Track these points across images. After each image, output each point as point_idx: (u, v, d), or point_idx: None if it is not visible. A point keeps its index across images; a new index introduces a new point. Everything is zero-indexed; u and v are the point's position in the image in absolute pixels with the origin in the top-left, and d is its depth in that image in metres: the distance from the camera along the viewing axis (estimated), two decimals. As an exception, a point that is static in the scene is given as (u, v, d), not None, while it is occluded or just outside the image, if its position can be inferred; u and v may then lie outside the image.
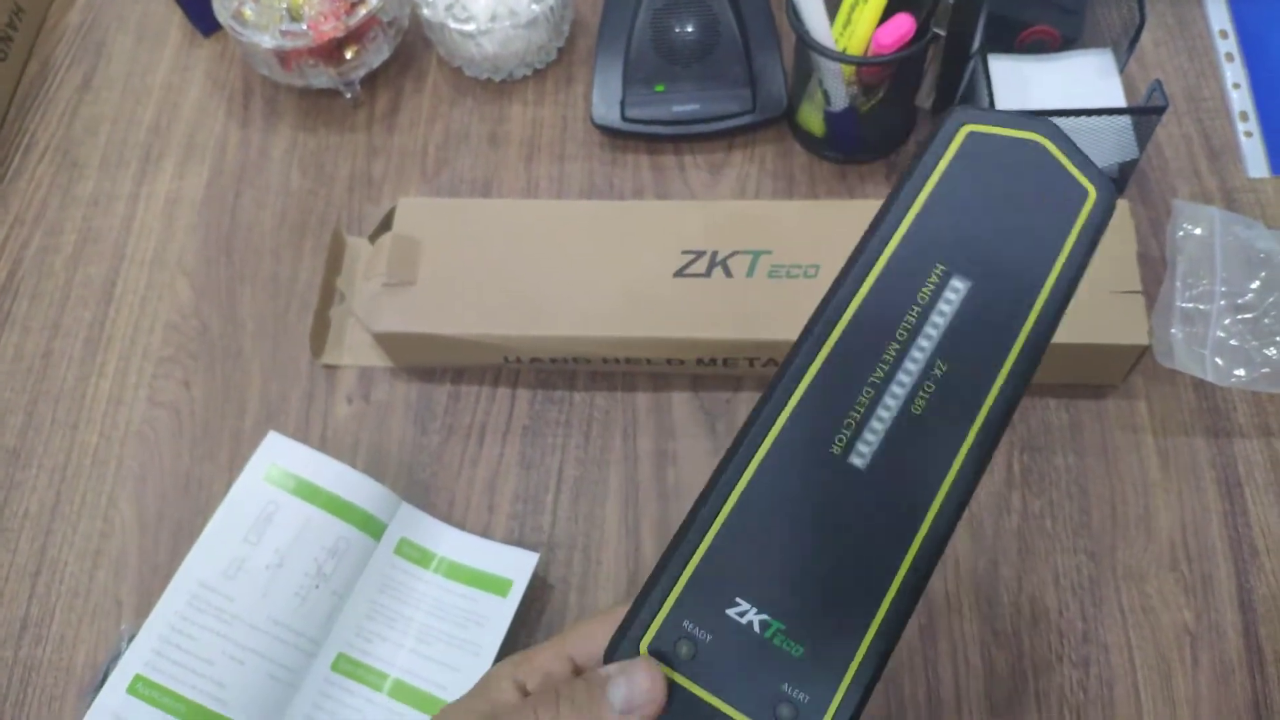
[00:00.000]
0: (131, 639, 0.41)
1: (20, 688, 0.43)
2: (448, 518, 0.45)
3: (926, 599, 0.42)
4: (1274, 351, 0.42)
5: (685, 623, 0.24)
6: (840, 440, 0.25)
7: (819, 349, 0.25)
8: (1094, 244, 0.26)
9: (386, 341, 0.47)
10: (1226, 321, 0.43)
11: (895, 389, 0.25)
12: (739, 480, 0.25)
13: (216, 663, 0.40)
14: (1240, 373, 0.42)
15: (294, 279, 0.52)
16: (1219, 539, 0.43)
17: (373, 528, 0.43)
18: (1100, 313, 0.42)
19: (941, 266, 0.25)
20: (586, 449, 0.47)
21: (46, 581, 0.45)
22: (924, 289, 0.25)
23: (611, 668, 0.24)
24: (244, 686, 0.40)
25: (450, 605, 0.43)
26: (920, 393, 0.25)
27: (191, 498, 0.46)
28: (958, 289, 0.25)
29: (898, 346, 0.25)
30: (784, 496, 0.24)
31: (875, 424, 0.25)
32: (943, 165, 0.26)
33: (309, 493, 0.42)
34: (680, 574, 0.24)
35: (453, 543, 0.44)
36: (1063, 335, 0.42)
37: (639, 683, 0.23)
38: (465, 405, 0.48)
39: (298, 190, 0.54)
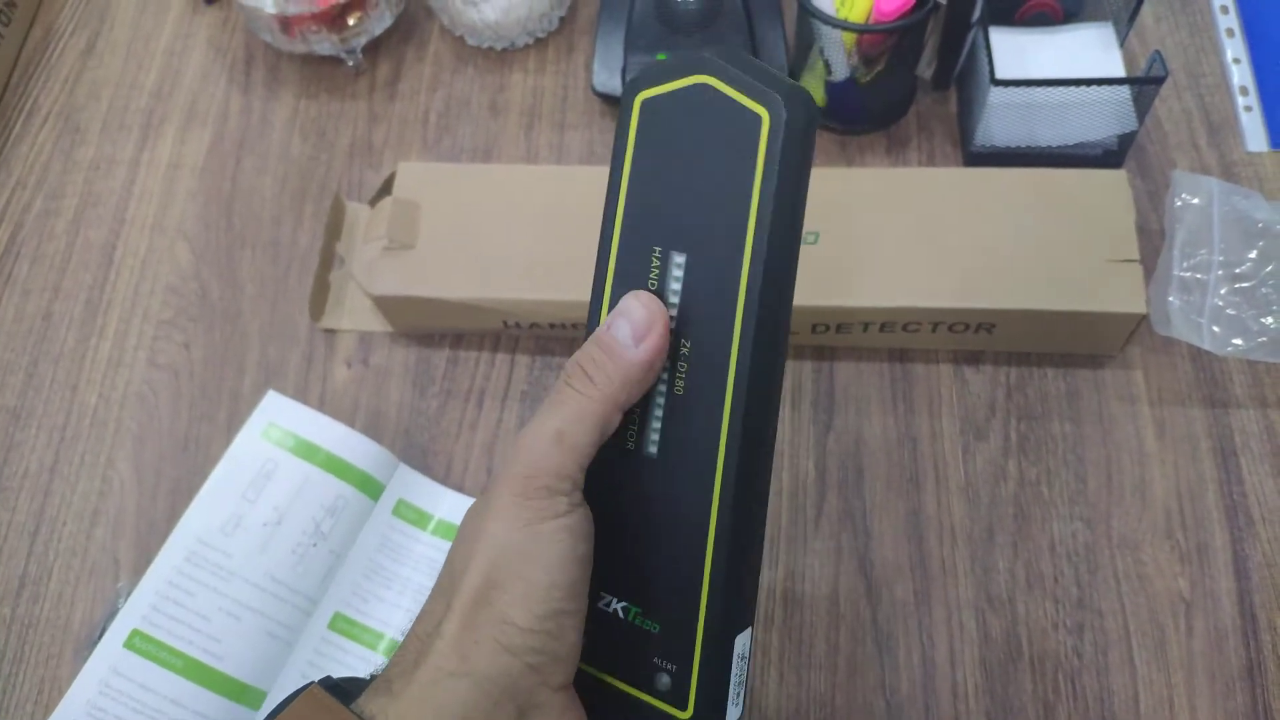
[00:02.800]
0: (128, 595, 0.41)
1: (18, 645, 0.43)
2: (445, 480, 0.45)
3: (921, 564, 0.42)
4: (1271, 320, 0.42)
5: None
6: (631, 436, 0.26)
7: None
8: (791, 160, 0.24)
9: (385, 305, 0.47)
10: (1224, 291, 0.43)
11: (661, 377, 0.26)
12: None
13: (213, 619, 0.40)
14: (1238, 341, 0.42)
15: (294, 244, 0.52)
16: (1214, 508, 0.43)
17: (371, 488, 0.43)
18: (1098, 281, 0.43)
19: (658, 249, 0.26)
20: (584, 414, 0.47)
21: (45, 540, 0.45)
22: (651, 275, 0.26)
23: (608, 318, 0.26)
24: (240, 643, 0.40)
25: (447, 565, 0.43)
26: (678, 374, 0.26)
27: (190, 458, 0.47)
28: (680, 264, 0.26)
29: None
30: (608, 498, 0.26)
31: (655, 413, 0.26)
32: (630, 145, 0.26)
33: (307, 451, 0.42)
34: None
35: (450, 505, 0.44)
36: (1060, 303, 0.42)
37: (634, 310, 0.25)
38: (464, 370, 0.48)
39: (299, 156, 0.54)
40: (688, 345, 0.25)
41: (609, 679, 0.27)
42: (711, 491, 0.25)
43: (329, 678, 0.25)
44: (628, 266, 0.26)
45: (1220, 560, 0.42)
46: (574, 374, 0.26)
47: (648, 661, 0.26)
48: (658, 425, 0.26)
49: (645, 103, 0.26)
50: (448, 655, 0.24)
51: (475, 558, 0.24)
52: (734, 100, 0.25)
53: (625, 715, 0.26)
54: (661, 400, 0.26)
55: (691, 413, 0.25)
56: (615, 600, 0.26)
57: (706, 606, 0.25)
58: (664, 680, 0.26)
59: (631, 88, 0.26)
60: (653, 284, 0.26)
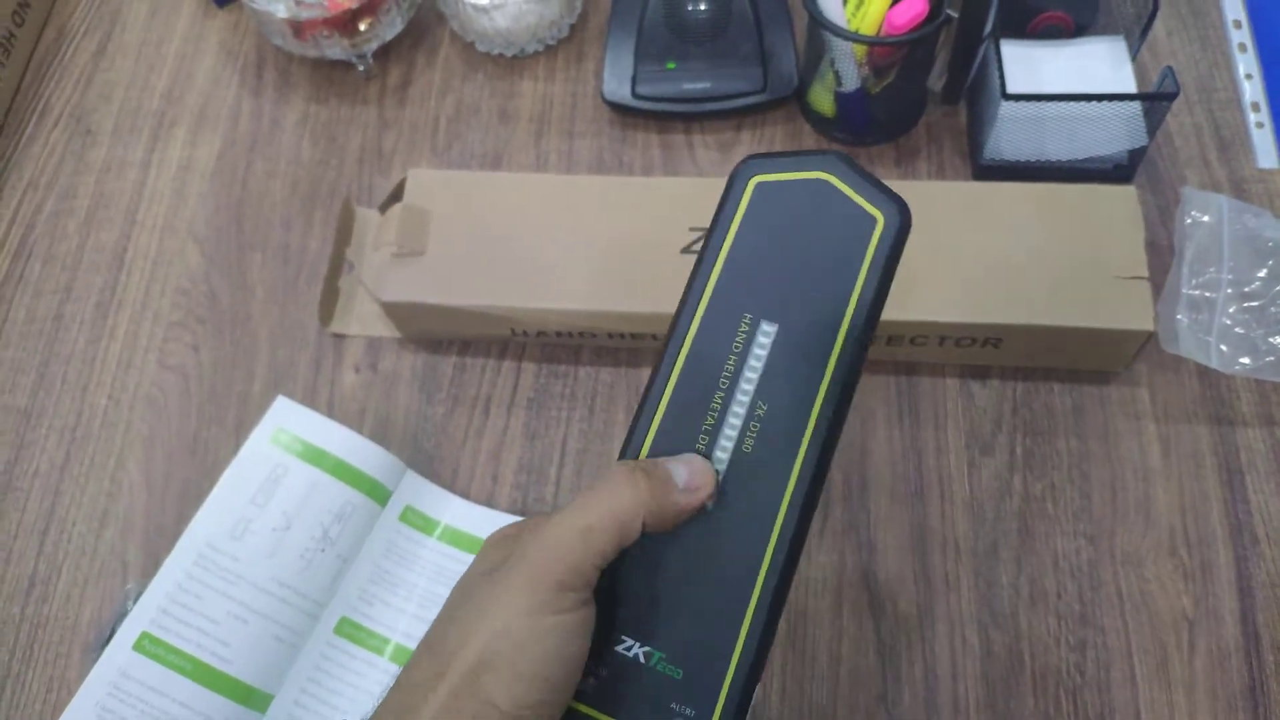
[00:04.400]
0: (137, 597, 0.41)
1: (27, 644, 0.44)
2: (452, 486, 0.45)
3: (925, 577, 0.42)
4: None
5: (587, 663, 0.26)
6: None
7: (658, 404, 0.28)
8: (892, 262, 0.28)
9: (394, 311, 0.47)
10: (1232, 309, 0.43)
11: (728, 432, 0.28)
12: None
13: (221, 622, 0.40)
14: (1245, 360, 0.42)
15: (303, 248, 0.52)
16: (1219, 526, 0.43)
17: (378, 494, 0.44)
18: (1106, 298, 0.42)
19: (749, 315, 0.28)
20: (590, 422, 0.47)
21: (54, 540, 0.46)
22: (737, 339, 0.28)
23: (666, 459, 0.27)
24: (248, 646, 0.40)
25: (453, 572, 0.43)
26: (748, 433, 0.27)
27: (198, 461, 0.47)
28: (768, 333, 0.28)
29: (722, 394, 0.28)
30: (648, 543, 0.27)
31: (716, 467, 0.27)
32: (737, 220, 0.29)
33: (316, 457, 0.43)
34: None
35: (456, 511, 0.45)
36: (1068, 319, 0.42)
37: (696, 465, 0.27)
38: (471, 377, 0.48)
39: (309, 161, 0.54)
40: (764, 408, 0.27)
41: None
42: (765, 550, 0.26)
43: None
44: (714, 323, 0.28)
45: (1224, 579, 0.42)
46: (620, 473, 0.26)
47: (664, 707, 0.26)
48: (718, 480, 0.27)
49: (760, 185, 0.29)
50: None
51: (474, 635, 0.24)
52: (852, 200, 0.28)
53: None
54: (725, 455, 0.27)
55: (756, 472, 0.27)
56: (638, 645, 0.27)
57: (739, 659, 0.26)
58: None
59: (747, 169, 0.29)
60: (737, 347, 0.28)
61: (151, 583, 0.41)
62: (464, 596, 0.26)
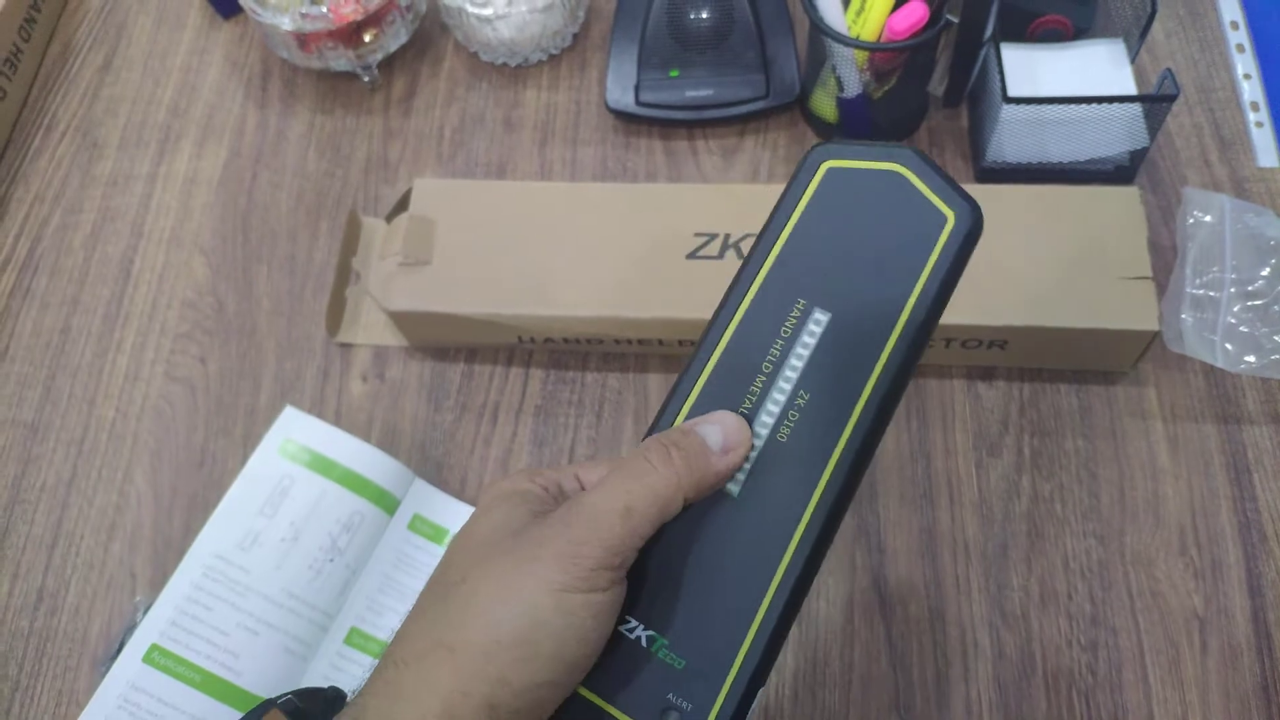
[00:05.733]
0: (146, 610, 0.41)
1: (36, 657, 0.43)
2: (460, 495, 0.45)
3: (935, 580, 0.42)
4: (1284, 337, 0.43)
5: None
6: None
7: (697, 378, 0.27)
8: (958, 265, 0.26)
9: (401, 320, 0.47)
10: (1236, 308, 0.43)
11: (764, 418, 0.26)
12: None
13: (231, 634, 0.40)
14: (1251, 359, 0.42)
15: (309, 259, 0.52)
16: (1228, 524, 0.43)
17: (387, 503, 0.44)
18: (1110, 298, 0.43)
19: (803, 301, 0.27)
20: (598, 429, 0.47)
21: (62, 553, 0.46)
22: (787, 323, 0.27)
23: (693, 421, 0.26)
24: (258, 657, 0.40)
25: (462, 580, 0.43)
26: (785, 421, 0.26)
27: (206, 473, 0.47)
28: (820, 321, 0.27)
29: (764, 379, 0.26)
30: (671, 523, 0.26)
31: (749, 454, 0.26)
32: (804, 202, 0.28)
33: (324, 467, 0.43)
34: None
35: (465, 519, 0.45)
36: (1073, 320, 0.43)
37: (729, 423, 0.26)
38: (478, 384, 0.48)
39: (314, 172, 0.55)
40: (805, 397, 0.26)
41: (611, 709, 0.26)
42: (789, 543, 0.25)
43: (291, 700, 0.24)
44: (764, 306, 0.27)
45: (1234, 577, 0.42)
46: (655, 450, 0.25)
47: (661, 696, 0.25)
48: (747, 466, 0.26)
49: (831, 170, 0.28)
50: (429, 703, 0.23)
51: (494, 609, 0.23)
52: (924, 196, 0.27)
53: None
54: (759, 442, 0.26)
55: (789, 462, 0.26)
56: (642, 628, 0.26)
57: (746, 655, 0.25)
58: (672, 717, 0.25)
59: (821, 153, 0.28)
60: (786, 331, 0.27)
61: (160, 595, 0.41)
62: (474, 562, 0.24)
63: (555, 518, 0.25)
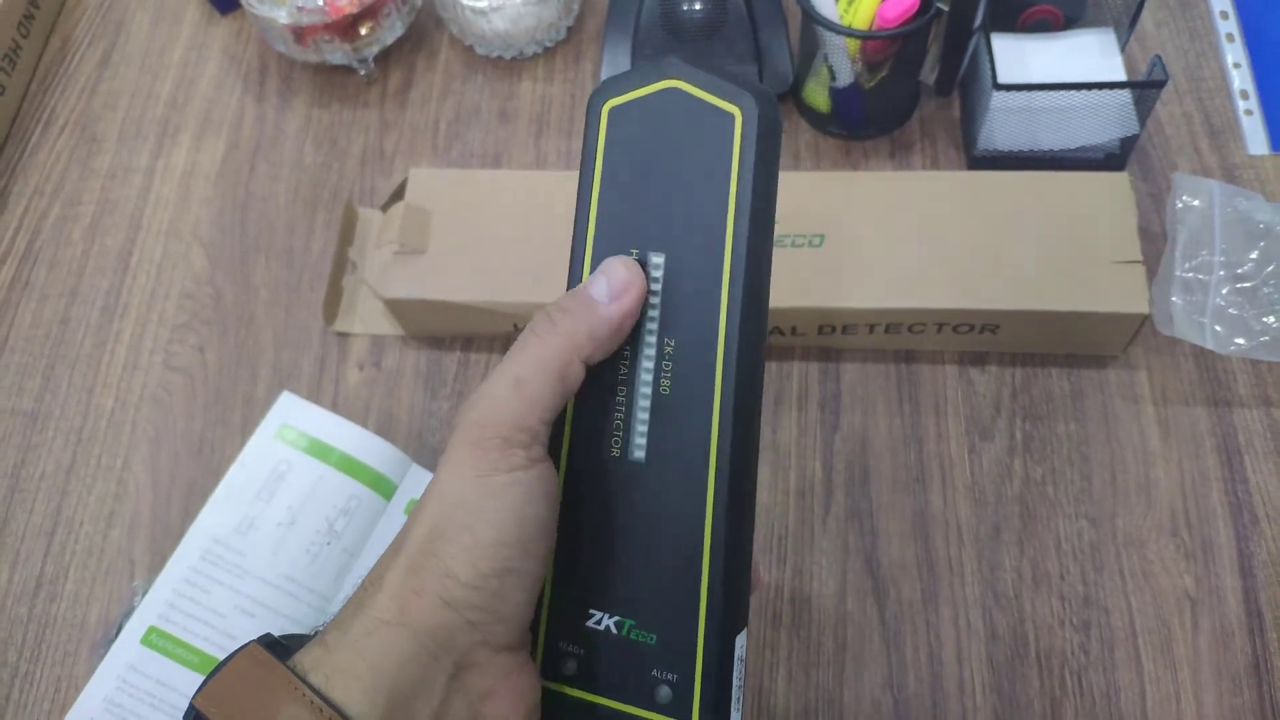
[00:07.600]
0: (144, 593, 0.41)
1: (35, 644, 0.44)
2: (456, 481, 0.46)
3: (928, 563, 0.43)
4: (1273, 320, 0.43)
5: (560, 644, 0.26)
6: (615, 443, 0.26)
7: None
8: (765, 159, 0.25)
9: (397, 308, 0.48)
10: (1225, 291, 0.44)
11: (644, 377, 0.26)
12: None
13: (229, 616, 0.41)
14: (1240, 341, 0.43)
15: (307, 250, 0.52)
16: (1219, 505, 0.43)
17: (384, 487, 0.44)
18: (1101, 282, 0.43)
19: (635, 250, 0.26)
20: (593, 415, 0.47)
21: (61, 541, 0.46)
22: None
23: (583, 282, 0.26)
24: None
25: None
26: (663, 374, 0.26)
27: (204, 461, 0.47)
28: (658, 265, 0.26)
29: (629, 341, 0.26)
30: (592, 510, 0.26)
31: (640, 416, 0.26)
32: (600, 152, 0.27)
33: (321, 452, 0.43)
34: (543, 608, 0.26)
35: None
36: (1064, 304, 0.43)
37: (615, 270, 0.25)
38: (475, 372, 0.49)
39: (311, 164, 0.55)
40: (671, 344, 0.25)
41: (605, 701, 0.26)
42: (705, 491, 0.25)
43: (268, 635, 0.24)
44: None
45: (1225, 557, 0.42)
46: (538, 320, 0.25)
47: (646, 675, 0.25)
48: (643, 429, 0.26)
49: (613, 110, 0.27)
50: (386, 606, 0.23)
51: (425, 507, 0.23)
52: (705, 101, 0.25)
53: None
54: (646, 403, 0.26)
55: (679, 412, 0.25)
56: (606, 616, 0.26)
57: (707, 610, 0.25)
58: (664, 693, 0.25)
59: (597, 97, 0.27)
60: None
61: (158, 577, 0.41)
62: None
63: (461, 410, 0.25)
